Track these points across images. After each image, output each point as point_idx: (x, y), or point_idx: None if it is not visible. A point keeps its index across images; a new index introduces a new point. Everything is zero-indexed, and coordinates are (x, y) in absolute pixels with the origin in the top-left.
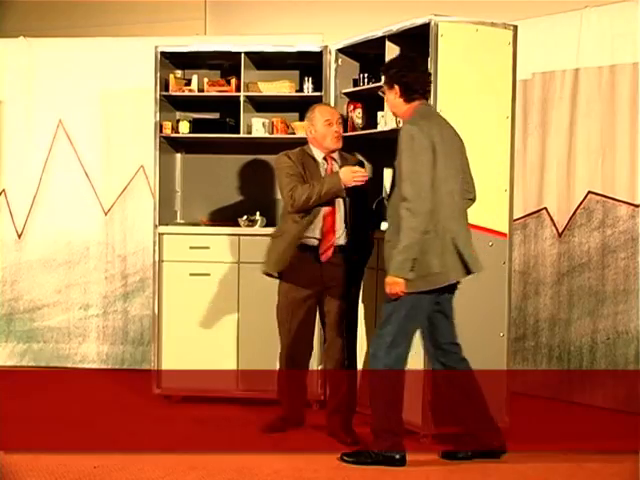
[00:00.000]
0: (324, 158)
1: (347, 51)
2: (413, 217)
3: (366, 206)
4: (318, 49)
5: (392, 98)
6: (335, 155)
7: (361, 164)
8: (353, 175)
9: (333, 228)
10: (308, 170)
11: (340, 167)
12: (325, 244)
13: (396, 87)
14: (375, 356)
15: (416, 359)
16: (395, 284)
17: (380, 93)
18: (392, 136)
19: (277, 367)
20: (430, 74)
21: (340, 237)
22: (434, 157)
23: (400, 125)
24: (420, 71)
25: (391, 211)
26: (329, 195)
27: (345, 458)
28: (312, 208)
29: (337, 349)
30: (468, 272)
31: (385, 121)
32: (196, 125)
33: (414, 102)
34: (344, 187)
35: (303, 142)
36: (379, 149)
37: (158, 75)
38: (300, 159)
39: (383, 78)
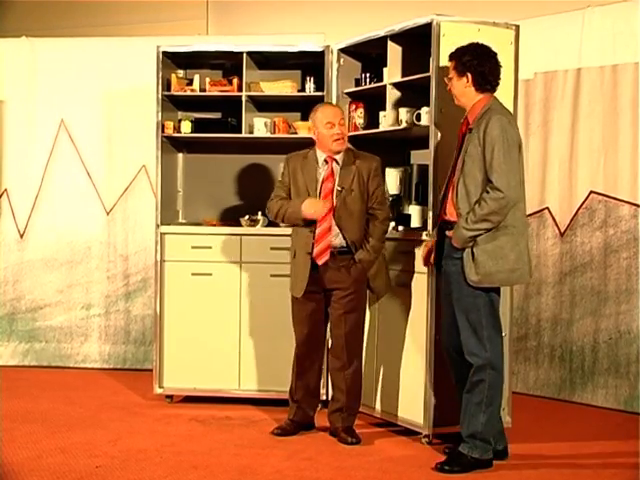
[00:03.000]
0: (325, 160)
1: (349, 51)
2: (499, 207)
3: (362, 206)
4: (320, 49)
5: (460, 86)
6: (338, 156)
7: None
8: (314, 209)
9: (326, 232)
10: (304, 174)
11: (343, 167)
12: (320, 248)
13: (468, 75)
14: (492, 362)
15: (417, 358)
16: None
17: (446, 80)
18: (393, 136)
19: (289, 370)
20: (501, 65)
21: (336, 238)
22: (519, 154)
23: (402, 125)
24: (495, 61)
25: (463, 194)
26: (291, 221)
27: (446, 468)
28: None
29: (340, 350)
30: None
31: (386, 121)
32: (198, 125)
33: (486, 93)
34: (303, 217)
35: (305, 142)
36: (380, 149)
37: (160, 75)
38: (300, 161)
39: (451, 64)
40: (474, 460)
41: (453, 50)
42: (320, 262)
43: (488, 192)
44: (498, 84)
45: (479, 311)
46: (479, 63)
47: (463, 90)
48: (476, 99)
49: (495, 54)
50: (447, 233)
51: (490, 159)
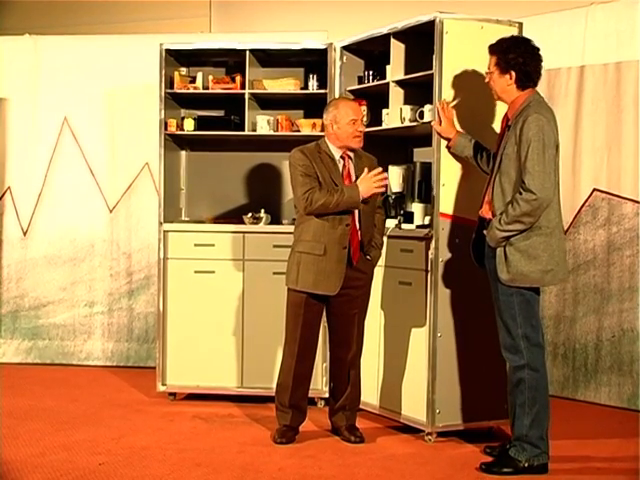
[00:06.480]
0: (341, 156)
1: (352, 48)
2: (531, 209)
3: (375, 204)
4: (323, 46)
5: (502, 83)
6: (350, 153)
7: (372, 161)
8: (373, 182)
9: (356, 228)
10: (325, 168)
11: (355, 166)
12: (354, 246)
13: (512, 73)
14: (529, 362)
15: (420, 355)
16: None
17: (486, 75)
18: (396, 134)
19: (278, 378)
20: (542, 60)
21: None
22: (556, 154)
23: (405, 123)
24: (539, 58)
25: (498, 193)
26: (345, 206)
27: (494, 470)
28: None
29: (350, 349)
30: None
31: (389, 118)
32: (201, 122)
33: (527, 90)
34: (361, 200)
35: (307, 139)
36: (383, 146)
37: (163, 72)
38: (316, 156)
39: (493, 58)
40: (522, 465)
41: (495, 42)
42: (355, 260)
43: (521, 193)
44: (539, 79)
45: (513, 310)
46: (524, 62)
47: (505, 87)
48: (517, 95)
49: (539, 49)
50: (484, 232)
51: (524, 159)
